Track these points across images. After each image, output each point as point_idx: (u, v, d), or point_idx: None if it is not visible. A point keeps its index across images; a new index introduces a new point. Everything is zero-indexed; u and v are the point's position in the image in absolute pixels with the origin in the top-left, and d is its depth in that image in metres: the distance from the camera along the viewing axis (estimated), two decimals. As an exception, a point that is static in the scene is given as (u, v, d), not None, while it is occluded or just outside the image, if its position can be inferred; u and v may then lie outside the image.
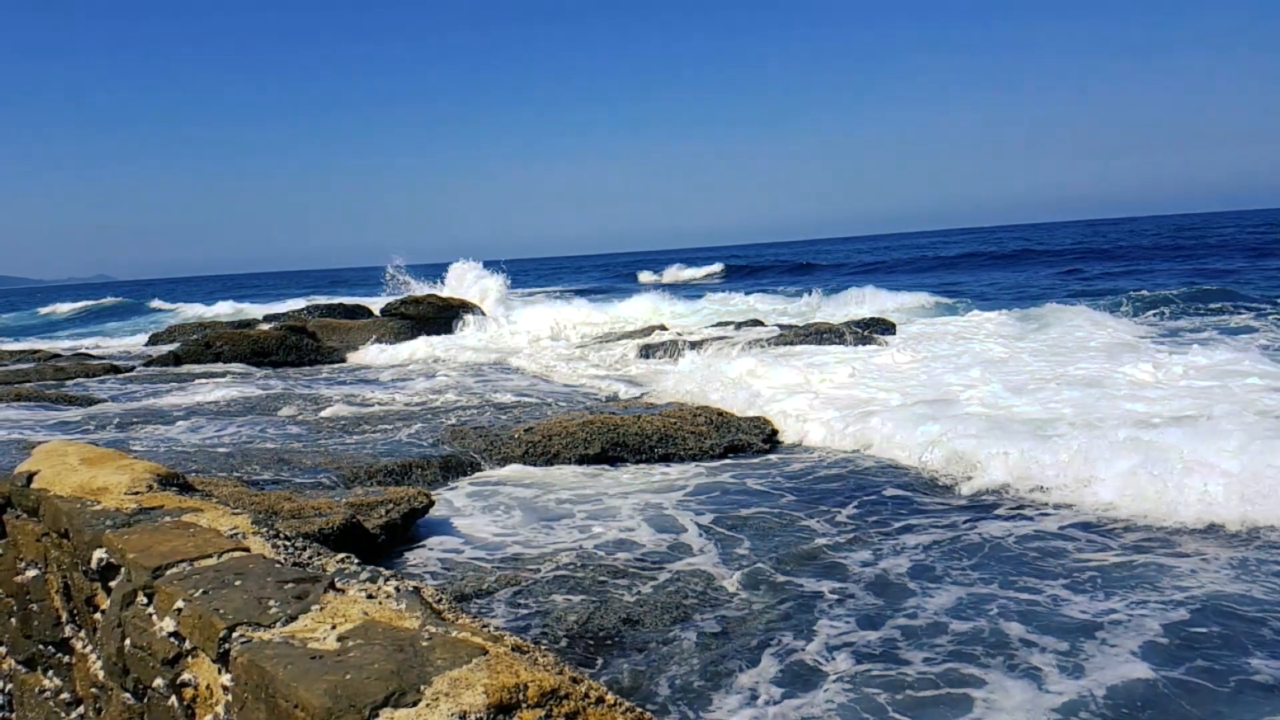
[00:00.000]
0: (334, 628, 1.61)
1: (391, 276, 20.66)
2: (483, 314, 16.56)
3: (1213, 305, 14.49)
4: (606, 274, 52.13)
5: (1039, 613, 3.52)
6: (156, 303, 41.33)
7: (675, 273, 45.18)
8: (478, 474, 6.04)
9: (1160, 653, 3.15)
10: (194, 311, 33.33)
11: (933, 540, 4.41)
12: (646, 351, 11.46)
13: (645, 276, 45.48)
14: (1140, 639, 3.25)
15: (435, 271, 19.63)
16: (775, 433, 6.91)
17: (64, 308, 44.16)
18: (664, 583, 3.97)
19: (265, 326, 15.94)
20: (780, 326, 13.15)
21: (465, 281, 18.82)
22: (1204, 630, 3.30)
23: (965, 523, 4.66)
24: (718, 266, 44.83)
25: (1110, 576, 3.86)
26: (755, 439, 6.71)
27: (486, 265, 19.78)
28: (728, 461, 6.33)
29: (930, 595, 3.72)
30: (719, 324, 14.48)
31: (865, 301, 17.10)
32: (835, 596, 3.77)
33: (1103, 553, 4.17)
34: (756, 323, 14.05)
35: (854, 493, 5.36)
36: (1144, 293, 15.59)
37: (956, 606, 3.60)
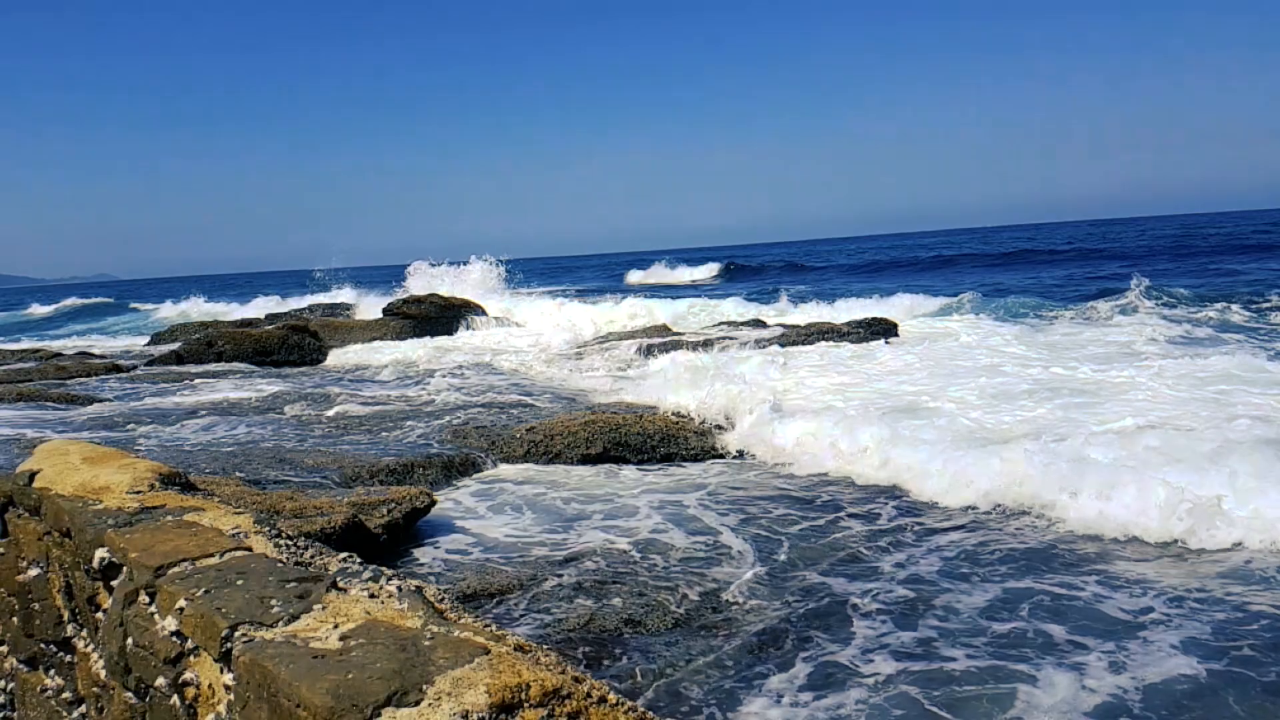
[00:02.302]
0: (336, 627, 1.61)
1: (320, 282, 20.51)
2: (484, 313, 16.57)
3: (1218, 305, 14.39)
4: (602, 274, 51.97)
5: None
6: (136, 304, 41.34)
7: (662, 272, 44.45)
8: (480, 473, 6.04)
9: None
10: (168, 311, 33.10)
11: (950, 543, 4.40)
12: (649, 352, 11.45)
13: (634, 277, 45.05)
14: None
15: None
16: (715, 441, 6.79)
17: (41, 309, 44.12)
18: (677, 582, 3.96)
19: (268, 326, 15.96)
20: (783, 326, 13.15)
21: (432, 283, 18.48)
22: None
23: (974, 532, 4.62)
24: (713, 268, 44.41)
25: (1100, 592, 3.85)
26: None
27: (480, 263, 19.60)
28: (734, 462, 6.32)
29: (964, 595, 3.72)
30: (721, 324, 14.47)
31: (855, 308, 16.34)
32: (867, 597, 3.77)
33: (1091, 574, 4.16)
34: (759, 323, 14.05)
35: (857, 496, 5.36)
36: (1148, 292, 15.45)
37: (989, 606, 3.61)
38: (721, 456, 6.46)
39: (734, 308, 17.74)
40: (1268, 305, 14.53)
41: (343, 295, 21.61)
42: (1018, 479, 4.97)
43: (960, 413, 6.91)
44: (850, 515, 4.92)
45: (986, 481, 5.06)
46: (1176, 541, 4.23)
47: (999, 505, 4.91)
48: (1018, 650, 3.21)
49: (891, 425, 6.20)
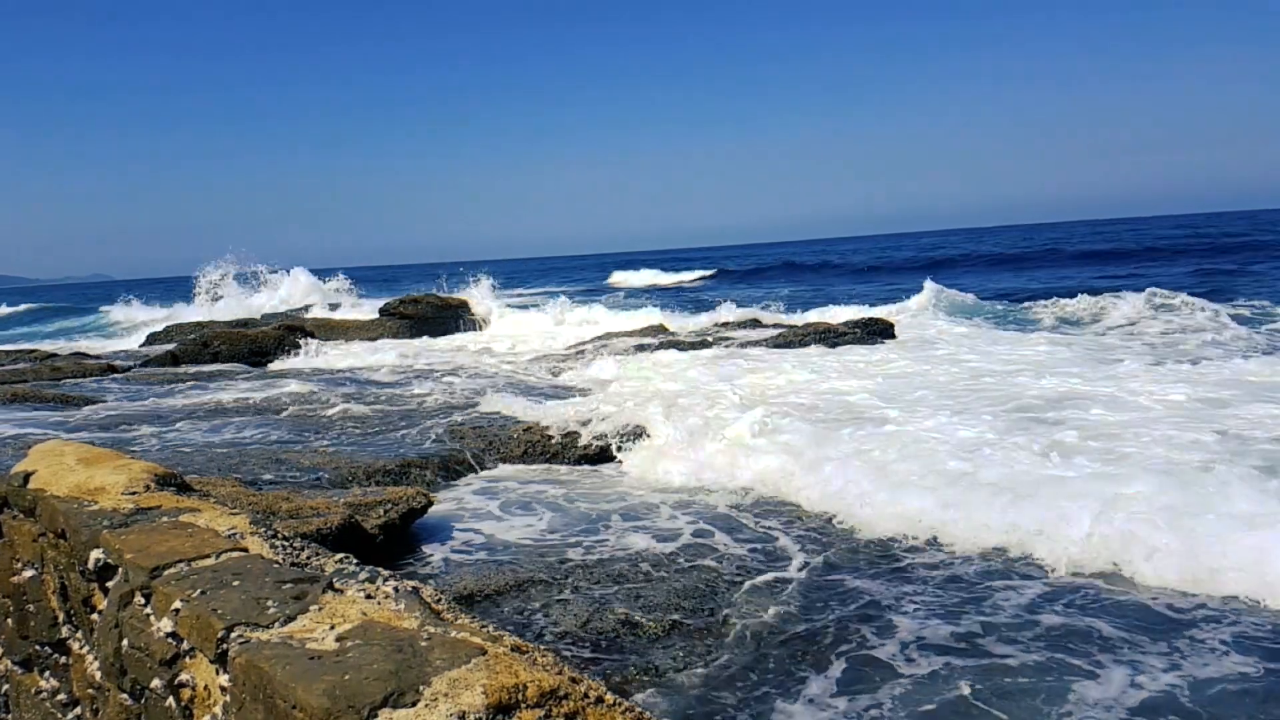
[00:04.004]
0: (333, 628, 1.60)
1: (209, 287, 20.72)
2: (477, 315, 16.62)
3: (1212, 308, 14.28)
4: (597, 275, 51.99)
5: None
6: (105, 308, 40.52)
7: (649, 275, 44.27)
8: (478, 473, 6.03)
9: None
10: (119, 315, 32.41)
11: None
12: (647, 351, 11.45)
13: (617, 278, 44.99)
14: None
15: (427, 271, 19.33)
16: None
17: (2, 310, 44.13)
18: (680, 582, 3.96)
19: (264, 326, 15.93)
20: (780, 327, 13.16)
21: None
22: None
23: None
24: (703, 270, 44.27)
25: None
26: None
27: (477, 265, 19.69)
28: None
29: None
30: (718, 324, 14.49)
31: (827, 316, 15.38)
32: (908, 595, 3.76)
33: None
34: (755, 323, 14.06)
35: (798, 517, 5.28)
36: (1149, 297, 15.26)
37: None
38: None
39: (709, 319, 16.77)
40: (1265, 307, 14.44)
41: (320, 291, 21.81)
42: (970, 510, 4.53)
43: (918, 426, 6.30)
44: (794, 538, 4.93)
45: (930, 514, 4.60)
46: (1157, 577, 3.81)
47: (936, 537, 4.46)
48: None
49: (824, 438, 5.81)
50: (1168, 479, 4.57)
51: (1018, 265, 32.86)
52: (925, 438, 5.89)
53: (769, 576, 4.02)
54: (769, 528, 4.72)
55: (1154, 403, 6.87)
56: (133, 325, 25.22)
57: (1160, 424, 6.13)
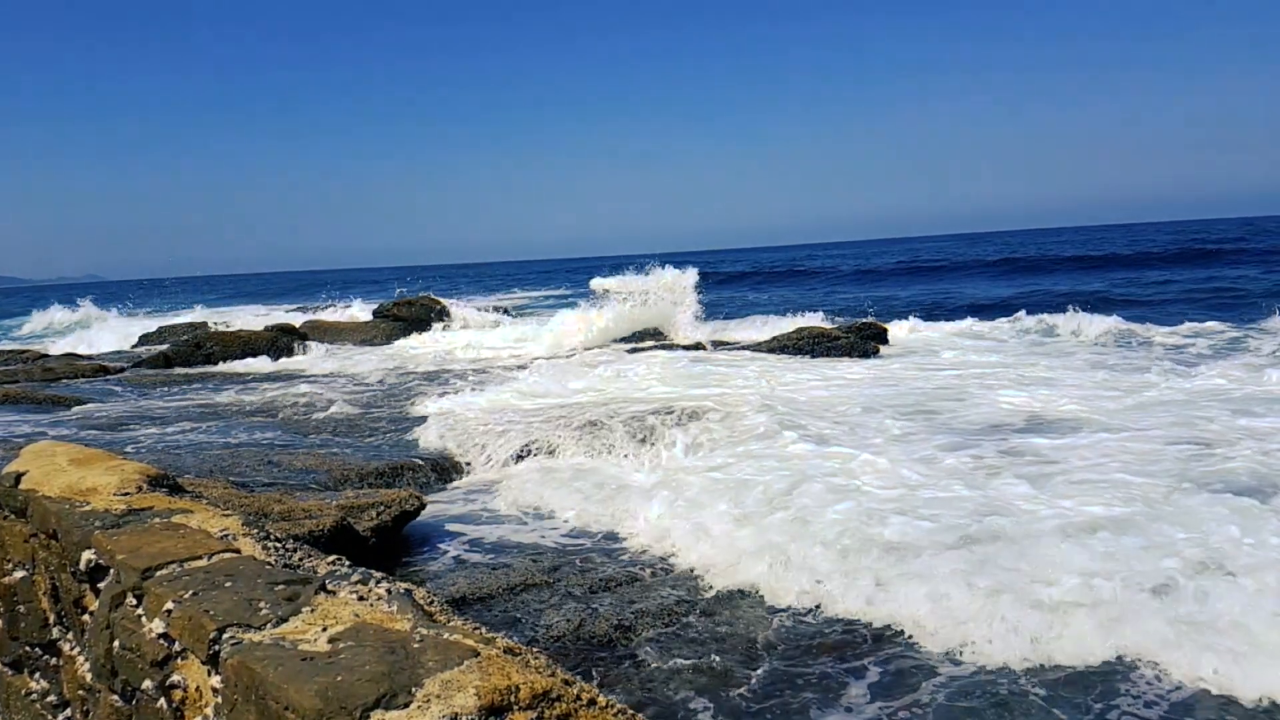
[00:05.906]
0: (325, 629, 1.60)
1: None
2: (468, 318, 16.67)
3: (1207, 315, 13.94)
4: (580, 278, 51.87)
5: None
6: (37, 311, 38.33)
7: (628, 280, 43.39)
8: (470, 476, 6.02)
9: None
10: (38, 322, 31.65)
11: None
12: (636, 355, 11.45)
13: (597, 283, 44.62)
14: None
15: (414, 274, 18.96)
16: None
17: None
18: (677, 586, 3.96)
19: (257, 328, 15.92)
20: (777, 332, 13.17)
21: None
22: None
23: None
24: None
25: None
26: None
27: (471, 268, 19.61)
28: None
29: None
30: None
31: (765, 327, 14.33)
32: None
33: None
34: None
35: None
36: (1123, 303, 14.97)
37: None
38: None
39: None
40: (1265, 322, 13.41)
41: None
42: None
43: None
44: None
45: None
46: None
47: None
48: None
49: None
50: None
51: (1010, 271, 32.76)
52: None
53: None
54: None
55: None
56: (53, 328, 25.44)
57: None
